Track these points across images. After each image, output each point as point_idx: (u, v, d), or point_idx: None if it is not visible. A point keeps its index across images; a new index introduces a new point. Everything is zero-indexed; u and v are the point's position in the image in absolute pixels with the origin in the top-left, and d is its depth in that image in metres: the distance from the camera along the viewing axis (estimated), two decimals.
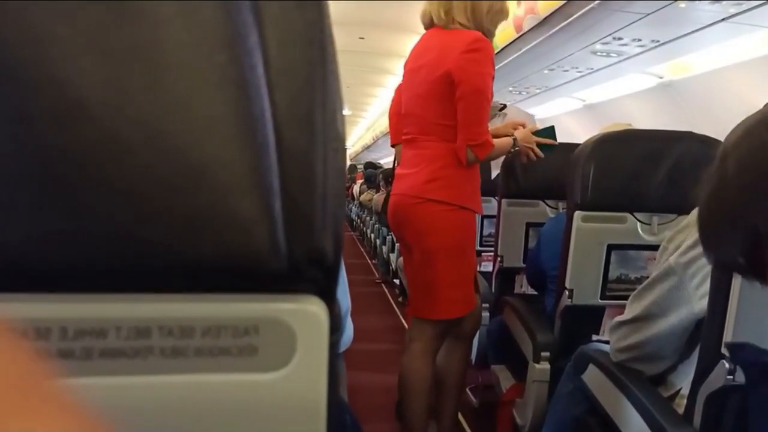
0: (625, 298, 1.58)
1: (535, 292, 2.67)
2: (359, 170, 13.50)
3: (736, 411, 1.13)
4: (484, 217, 3.45)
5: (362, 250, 9.80)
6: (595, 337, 2.11)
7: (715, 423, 1.21)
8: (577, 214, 2.12)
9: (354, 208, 12.58)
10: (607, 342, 1.61)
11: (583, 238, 2.12)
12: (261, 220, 0.40)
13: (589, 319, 2.13)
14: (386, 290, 6.35)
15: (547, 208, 2.93)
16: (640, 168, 2.05)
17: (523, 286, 2.98)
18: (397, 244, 5.62)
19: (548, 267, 2.33)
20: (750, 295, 1.05)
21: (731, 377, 1.20)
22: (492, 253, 3.20)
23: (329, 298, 0.47)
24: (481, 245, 3.45)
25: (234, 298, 0.43)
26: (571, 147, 2.26)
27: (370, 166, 10.73)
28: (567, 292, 2.14)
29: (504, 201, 2.91)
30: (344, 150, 0.42)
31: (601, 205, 2.10)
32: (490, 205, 3.34)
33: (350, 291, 1.25)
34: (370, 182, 9.49)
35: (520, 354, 2.30)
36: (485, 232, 3.52)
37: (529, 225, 2.93)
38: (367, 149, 17.50)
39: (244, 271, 0.41)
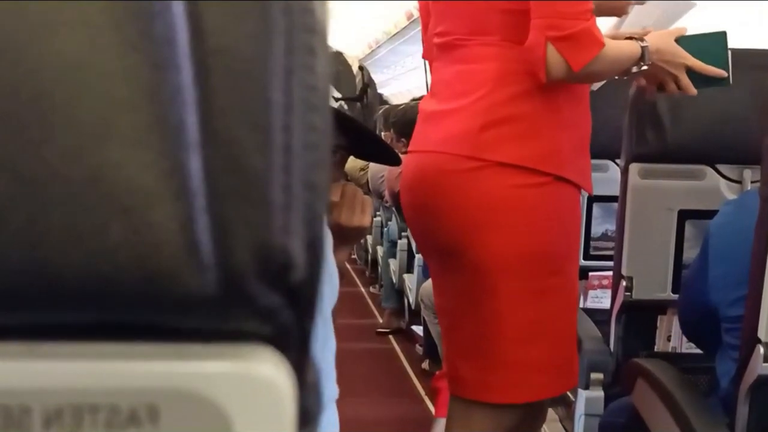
0: None
1: (696, 350, 2.10)
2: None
3: None
4: (593, 200, 2.75)
5: (350, 267, 7.89)
6: None
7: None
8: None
9: None
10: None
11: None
12: (163, 211, 0.41)
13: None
14: (397, 347, 5.16)
15: (722, 181, 2.27)
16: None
17: (672, 337, 2.33)
18: (418, 256, 4.57)
19: (724, 299, 1.78)
20: None
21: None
22: (609, 273, 2.52)
23: (298, 349, 0.45)
24: (587, 257, 2.81)
25: (105, 351, 0.42)
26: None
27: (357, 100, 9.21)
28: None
29: (633, 168, 2.24)
30: (325, 105, 0.44)
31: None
32: (606, 176, 2.67)
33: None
34: None
35: None
36: (596, 232, 2.82)
37: (683, 215, 2.25)
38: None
39: (132, 299, 0.41)
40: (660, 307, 2.20)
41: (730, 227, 1.79)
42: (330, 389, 1.23)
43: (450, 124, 1.75)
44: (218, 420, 0.42)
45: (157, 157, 0.41)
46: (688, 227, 2.14)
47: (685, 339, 2.13)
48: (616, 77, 1.86)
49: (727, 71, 1.79)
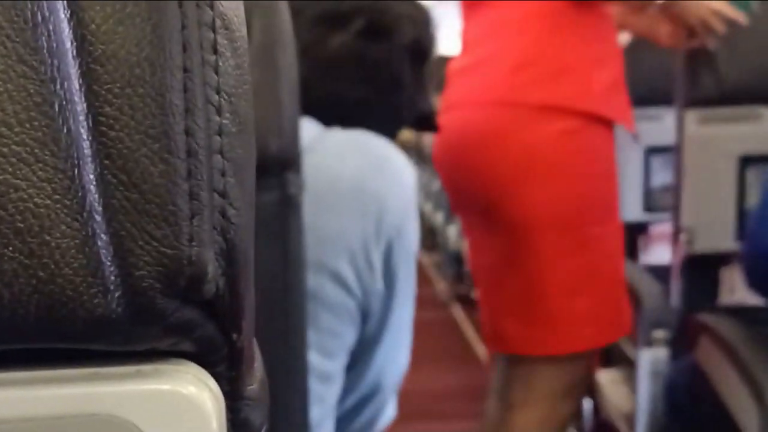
0: None
1: (762, 302, 2.01)
2: None
3: None
4: (650, 151, 2.69)
5: None
6: None
7: None
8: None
9: None
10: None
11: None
12: (59, 231, 0.40)
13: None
14: (460, 315, 5.06)
15: None
16: None
17: (735, 289, 2.26)
18: None
19: None
20: None
21: None
22: (669, 228, 2.41)
23: (228, 361, 0.44)
24: (647, 209, 2.72)
25: (10, 378, 0.41)
26: None
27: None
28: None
29: (691, 114, 2.15)
30: (235, 105, 0.43)
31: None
32: (661, 126, 2.60)
33: None
34: None
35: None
36: (654, 183, 2.71)
37: (744, 162, 2.16)
38: None
39: (34, 326, 0.40)
40: (723, 258, 2.16)
41: None
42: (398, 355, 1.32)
43: (480, 73, 1.76)
44: None
45: (50, 175, 0.40)
46: (750, 173, 2.10)
47: (750, 291, 2.09)
48: (643, 8, 1.88)
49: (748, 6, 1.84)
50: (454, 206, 2.25)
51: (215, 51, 0.43)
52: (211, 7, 0.43)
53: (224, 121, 0.44)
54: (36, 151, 0.40)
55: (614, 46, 1.84)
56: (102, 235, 0.41)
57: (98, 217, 0.41)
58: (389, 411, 1.35)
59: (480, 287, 1.95)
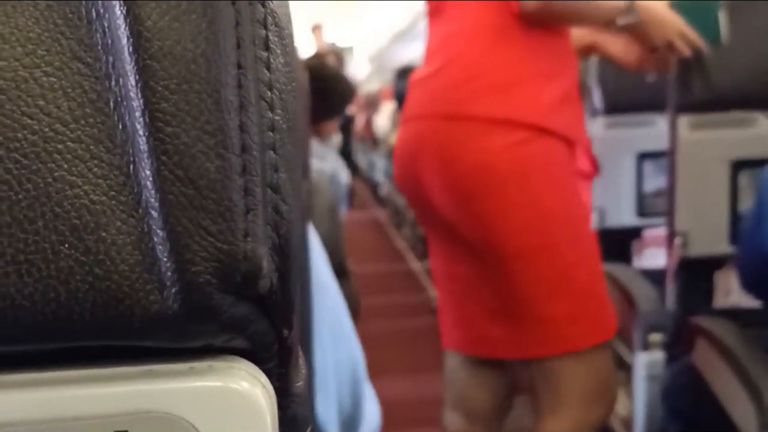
0: None
1: (758, 304, 2.00)
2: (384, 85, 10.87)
3: None
4: (644, 156, 2.72)
5: (399, 245, 7.70)
6: None
7: None
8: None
9: (379, 162, 9.98)
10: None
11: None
12: (115, 227, 0.40)
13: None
14: None
15: None
16: None
17: (730, 292, 2.25)
18: None
19: None
20: None
21: None
22: (663, 232, 2.46)
23: (278, 358, 0.44)
24: (641, 214, 2.78)
25: (67, 377, 0.41)
26: None
27: (406, 74, 7.76)
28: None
29: (684, 120, 2.16)
30: (286, 101, 0.43)
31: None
32: (655, 131, 2.64)
33: (383, 327, 1.22)
34: None
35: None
36: (647, 188, 2.76)
37: (737, 167, 2.16)
38: (402, 40, 13.28)
39: (90, 323, 0.40)
40: (717, 261, 2.17)
41: None
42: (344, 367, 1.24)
43: (431, 86, 1.77)
44: None
45: (106, 172, 0.40)
46: (743, 177, 2.11)
47: (745, 294, 2.10)
48: (606, 29, 1.87)
49: (718, 33, 1.88)
50: (417, 218, 2.26)
51: (267, 48, 0.43)
52: (263, 5, 0.43)
53: (276, 118, 0.44)
54: (91, 147, 0.40)
55: (568, 59, 1.83)
56: (158, 231, 0.41)
57: (155, 213, 0.41)
58: (371, 418, 1.32)
59: (451, 295, 1.92)
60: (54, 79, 0.40)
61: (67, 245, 0.40)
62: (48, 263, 0.39)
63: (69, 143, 0.40)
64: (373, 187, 10.69)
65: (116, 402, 0.41)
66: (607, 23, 1.78)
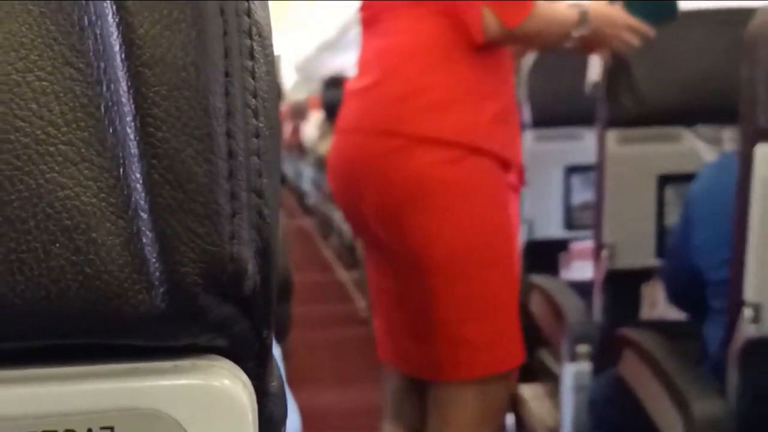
0: None
1: (683, 316, 2.11)
2: (312, 94, 10.72)
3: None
4: (572, 169, 2.75)
5: (327, 254, 7.66)
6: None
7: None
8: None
9: (307, 171, 9.83)
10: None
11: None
12: (105, 229, 0.40)
13: None
14: None
15: (700, 142, 2.23)
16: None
17: (657, 304, 2.29)
18: None
19: (709, 263, 1.77)
20: None
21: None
22: (591, 245, 2.48)
23: (256, 358, 0.45)
24: (568, 227, 2.81)
25: (54, 374, 0.41)
26: (741, 14, 1.92)
27: (335, 84, 7.28)
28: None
29: (612, 134, 2.19)
30: (269, 109, 0.44)
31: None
32: (583, 145, 2.66)
33: (311, 337, 1.21)
34: (335, 115, 7.09)
35: None
36: (575, 201, 2.79)
37: (663, 181, 2.21)
38: (330, 50, 12.85)
39: (79, 321, 0.40)
40: (644, 274, 2.20)
41: (711, 189, 1.79)
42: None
43: (368, 99, 1.76)
44: None
45: (96, 174, 0.41)
46: (669, 191, 2.15)
47: (670, 306, 2.13)
48: (560, 44, 1.86)
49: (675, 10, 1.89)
50: (352, 229, 2.25)
51: (252, 57, 0.44)
52: (248, 16, 0.44)
53: (260, 125, 0.45)
54: (82, 150, 0.40)
55: (505, 77, 1.83)
56: (147, 233, 0.41)
57: (144, 215, 0.41)
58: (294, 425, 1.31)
59: (381, 306, 1.92)
60: (46, 84, 0.40)
61: (58, 245, 0.40)
62: (39, 262, 0.40)
63: (61, 146, 0.40)
64: (300, 196, 10.59)
65: (102, 399, 0.41)
66: (564, 37, 1.79)
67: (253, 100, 0.45)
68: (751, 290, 1.56)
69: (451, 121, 1.71)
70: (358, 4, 1.90)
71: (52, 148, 0.40)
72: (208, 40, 0.43)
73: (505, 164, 1.77)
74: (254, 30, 0.45)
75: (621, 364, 1.96)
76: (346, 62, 11.48)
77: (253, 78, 0.45)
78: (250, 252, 0.43)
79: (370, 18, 1.81)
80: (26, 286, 0.40)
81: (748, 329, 1.57)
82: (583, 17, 1.75)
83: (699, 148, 2.14)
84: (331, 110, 6.63)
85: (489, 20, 1.66)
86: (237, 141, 0.44)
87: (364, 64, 1.83)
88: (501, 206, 1.77)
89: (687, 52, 2.09)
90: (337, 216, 6.69)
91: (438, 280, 1.72)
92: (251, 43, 0.45)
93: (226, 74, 0.43)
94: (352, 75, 2.25)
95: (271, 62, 0.46)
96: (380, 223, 1.75)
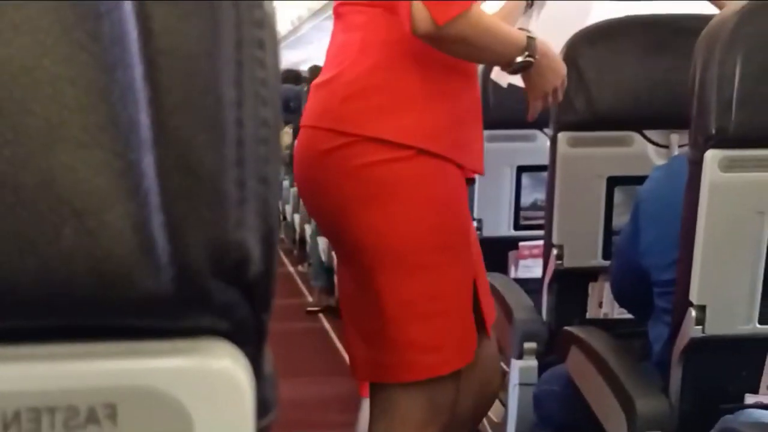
0: None
1: (628, 315, 2.15)
2: None
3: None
4: (522, 169, 2.78)
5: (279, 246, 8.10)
6: (751, 399, 1.69)
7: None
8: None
9: None
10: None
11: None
12: (116, 212, 0.41)
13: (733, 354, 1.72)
14: (328, 326, 5.07)
15: (649, 146, 2.24)
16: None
17: (604, 303, 2.33)
18: None
19: (656, 264, 1.80)
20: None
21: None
22: (540, 243, 2.51)
23: (254, 342, 0.46)
24: (517, 227, 2.84)
25: (60, 352, 0.42)
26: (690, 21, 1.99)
27: (291, 77, 8.09)
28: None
29: (562, 137, 2.22)
30: (275, 99, 0.45)
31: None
32: (535, 146, 2.73)
33: None
34: (290, 112, 7.04)
35: None
36: (526, 201, 2.79)
37: (612, 182, 2.22)
38: (283, 42, 12.94)
39: (88, 302, 0.41)
40: (591, 274, 2.22)
41: (660, 192, 1.80)
42: None
43: (319, 96, 1.73)
44: (177, 415, 0.42)
45: (109, 158, 0.41)
46: (618, 194, 2.16)
47: (616, 305, 2.15)
48: (499, 63, 1.80)
49: None
50: (317, 225, 2.22)
51: (262, 47, 0.45)
52: (260, 7, 0.45)
53: (268, 114, 0.45)
54: (96, 135, 0.41)
55: (466, 78, 1.79)
56: (157, 217, 0.42)
57: (155, 200, 0.42)
58: None
59: (344, 314, 1.87)
60: (62, 68, 0.40)
61: (69, 228, 0.40)
62: (51, 244, 0.40)
63: (74, 130, 0.41)
64: None
65: (104, 377, 0.42)
66: (504, 61, 1.72)
67: (263, 89, 0.45)
68: (696, 292, 1.58)
69: (394, 123, 1.67)
70: (309, 4, 1.89)
71: (65, 132, 0.40)
72: (222, 31, 0.43)
73: (461, 167, 1.74)
74: (265, 21, 0.45)
75: (568, 362, 1.98)
76: (298, 58, 11.35)
77: (263, 68, 0.45)
78: (255, 239, 0.43)
79: (338, 11, 1.77)
80: (37, 267, 0.40)
81: (692, 330, 1.59)
82: (531, 46, 1.69)
83: (648, 152, 2.16)
84: (284, 104, 6.45)
85: (419, 14, 1.57)
86: (246, 130, 0.44)
87: (327, 58, 1.79)
88: (451, 206, 1.74)
89: (638, 59, 2.10)
90: (288, 210, 6.73)
91: (385, 280, 1.68)
92: (262, 34, 0.45)
93: (238, 64, 0.44)
94: (304, 70, 2.24)
95: (276, 53, 0.46)
96: (335, 218, 1.73)
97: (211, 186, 0.43)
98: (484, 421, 2.41)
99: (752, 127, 1.54)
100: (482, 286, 1.83)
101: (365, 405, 2.05)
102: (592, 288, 2.29)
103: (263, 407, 0.46)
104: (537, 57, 1.70)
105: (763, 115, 1.55)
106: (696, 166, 1.57)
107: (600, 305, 2.28)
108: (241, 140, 0.44)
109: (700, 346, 1.62)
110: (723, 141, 1.54)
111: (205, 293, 0.42)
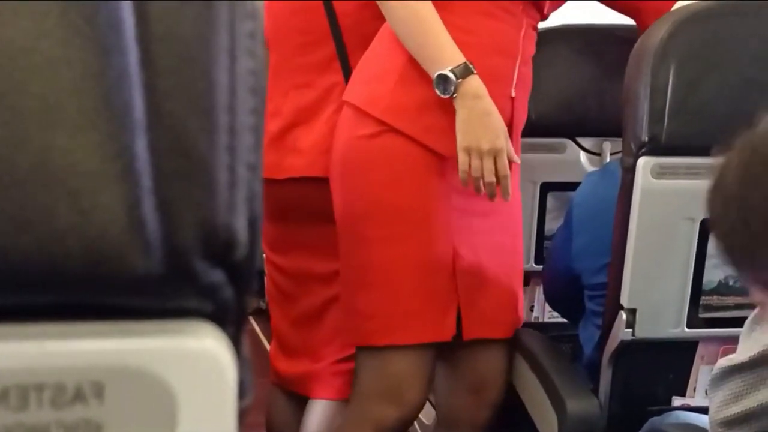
0: None
1: (560, 319, 2.17)
2: None
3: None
4: (547, 187, 2.30)
5: None
6: (678, 401, 1.74)
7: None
8: None
9: None
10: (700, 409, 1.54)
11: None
12: (109, 193, 0.42)
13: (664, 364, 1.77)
14: (257, 327, 4.62)
15: (582, 154, 2.23)
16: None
17: (535, 306, 2.30)
18: None
19: (588, 267, 1.81)
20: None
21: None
22: None
23: (236, 324, 0.47)
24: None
25: (48, 330, 0.42)
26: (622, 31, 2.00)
27: None
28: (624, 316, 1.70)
29: None
30: (263, 89, 0.46)
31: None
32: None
33: None
34: None
35: None
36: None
37: (545, 188, 2.21)
38: None
39: (81, 281, 0.42)
40: (524, 278, 2.17)
41: (594, 197, 1.82)
42: None
43: None
44: (162, 394, 0.43)
45: (103, 140, 0.41)
46: (550, 199, 2.18)
47: (547, 308, 2.16)
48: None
49: None
50: None
51: (253, 37, 0.46)
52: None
53: (257, 102, 0.46)
54: (91, 117, 0.41)
55: None
56: (149, 199, 0.42)
57: (147, 183, 0.42)
58: None
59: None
60: (59, 51, 0.41)
61: (63, 207, 0.41)
62: (45, 223, 0.40)
63: (70, 112, 0.41)
64: None
65: (93, 356, 0.42)
66: (429, 64, 1.68)
67: (252, 78, 0.46)
68: (627, 296, 1.60)
69: (371, 93, 1.72)
70: None
71: (61, 114, 0.41)
72: (216, 18, 0.44)
73: (438, 155, 1.74)
74: (256, 13, 0.46)
75: None
76: None
77: (253, 58, 0.46)
78: (242, 222, 0.44)
79: None
80: (31, 246, 0.41)
81: (622, 332, 1.62)
82: (462, 69, 1.65)
83: (581, 159, 2.18)
84: None
85: None
86: (238, 117, 0.45)
87: None
88: (419, 187, 1.74)
89: (572, 67, 2.12)
90: None
91: (349, 248, 1.78)
92: (254, 24, 0.46)
93: (231, 52, 0.45)
94: None
95: (262, 42, 0.47)
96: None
97: (203, 169, 0.44)
98: (416, 421, 2.39)
99: (683, 136, 1.57)
100: (494, 286, 1.86)
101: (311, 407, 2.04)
102: (526, 292, 2.21)
103: (242, 389, 0.47)
104: (463, 86, 1.65)
105: (694, 124, 1.58)
106: (629, 172, 1.60)
107: (531, 309, 2.28)
108: (232, 126, 0.45)
109: (630, 349, 1.64)
110: (655, 149, 1.57)
111: (193, 274, 0.43)
